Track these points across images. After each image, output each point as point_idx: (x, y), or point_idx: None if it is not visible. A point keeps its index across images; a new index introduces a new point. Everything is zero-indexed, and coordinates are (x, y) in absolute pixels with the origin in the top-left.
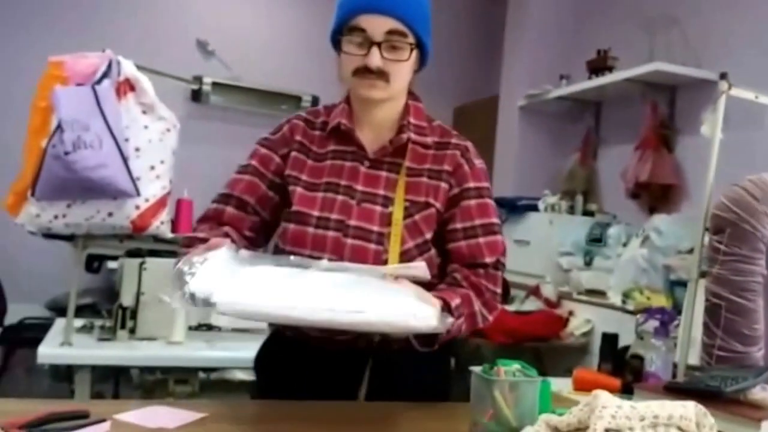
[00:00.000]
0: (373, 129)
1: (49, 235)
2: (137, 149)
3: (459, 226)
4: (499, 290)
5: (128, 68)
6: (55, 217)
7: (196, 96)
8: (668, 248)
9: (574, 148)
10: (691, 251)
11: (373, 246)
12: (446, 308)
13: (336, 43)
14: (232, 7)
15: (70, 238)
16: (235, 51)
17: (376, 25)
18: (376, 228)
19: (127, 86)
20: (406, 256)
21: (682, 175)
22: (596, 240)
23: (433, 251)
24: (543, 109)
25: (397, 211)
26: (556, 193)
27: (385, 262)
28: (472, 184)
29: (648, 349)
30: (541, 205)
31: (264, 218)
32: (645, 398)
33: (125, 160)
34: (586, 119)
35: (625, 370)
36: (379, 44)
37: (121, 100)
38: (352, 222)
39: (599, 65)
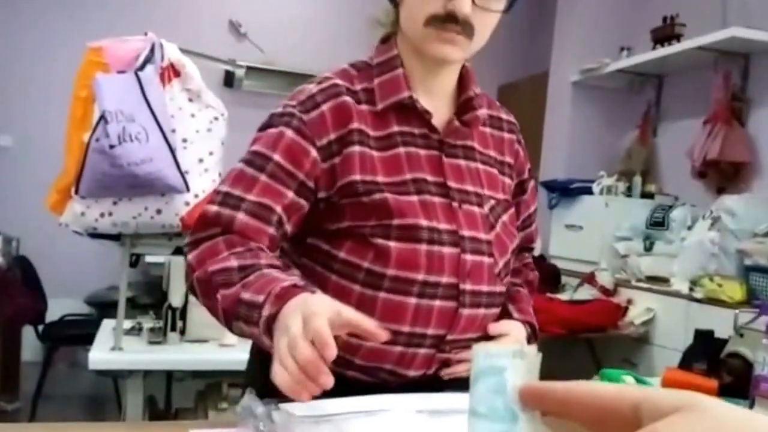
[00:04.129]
0: (430, 99)
1: (96, 235)
2: (185, 140)
3: (520, 218)
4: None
5: (172, 52)
6: (101, 215)
7: (229, 81)
8: (742, 231)
9: (632, 126)
10: None
11: (486, 259)
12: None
13: None
14: None
15: (116, 237)
16: (269, 33)
17: None
18: (484, 236)
19: (171, 72)
20: (506, 268)
21: (756, 151)
22: (658, 223)
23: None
24: (598, 84)
25: (494, 212)
26: (612, 174)
27: (498, 276)
28: (526, 173)
29: (756, 349)
30: (595, 187)
31: (286, 233)
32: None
33: (173, 152)
34: (645, 93)
35: (721, 371)
36: None
37: (165, 87)
38: (465, 232)
39: (665, 34)
